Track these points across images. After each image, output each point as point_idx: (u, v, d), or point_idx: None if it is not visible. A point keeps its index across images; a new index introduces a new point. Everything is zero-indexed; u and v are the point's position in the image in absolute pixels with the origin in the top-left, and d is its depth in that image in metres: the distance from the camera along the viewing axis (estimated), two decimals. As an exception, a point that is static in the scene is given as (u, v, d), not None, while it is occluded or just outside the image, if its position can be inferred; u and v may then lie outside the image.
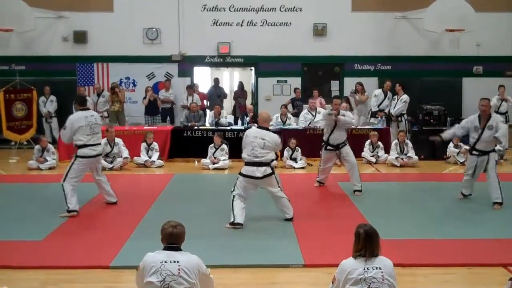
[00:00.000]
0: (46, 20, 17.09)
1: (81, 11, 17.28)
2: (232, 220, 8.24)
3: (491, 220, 8.89)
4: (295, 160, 13.68)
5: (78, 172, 9.02)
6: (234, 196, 8.41)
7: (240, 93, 18.38)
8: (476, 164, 9.68)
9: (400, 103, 15.16)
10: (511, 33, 17.64)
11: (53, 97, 16.78)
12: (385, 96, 15.50)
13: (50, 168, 13.21)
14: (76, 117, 9.21)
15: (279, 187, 8.64)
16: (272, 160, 8.72)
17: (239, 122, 16.38)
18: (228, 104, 21.27)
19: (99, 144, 9.39)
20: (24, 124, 15.22)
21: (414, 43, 17.56)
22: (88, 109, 9.87)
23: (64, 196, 8.84)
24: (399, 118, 15.29)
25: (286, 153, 13.77)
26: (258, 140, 8.35)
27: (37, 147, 13.53)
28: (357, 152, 14.20)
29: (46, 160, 13.27)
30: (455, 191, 10.76)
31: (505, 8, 17.52)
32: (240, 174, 8.48)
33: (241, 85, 18.84)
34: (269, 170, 8.41)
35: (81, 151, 9.02)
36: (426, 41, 17.52)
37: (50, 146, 13.61)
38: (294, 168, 13.41)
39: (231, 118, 17.11)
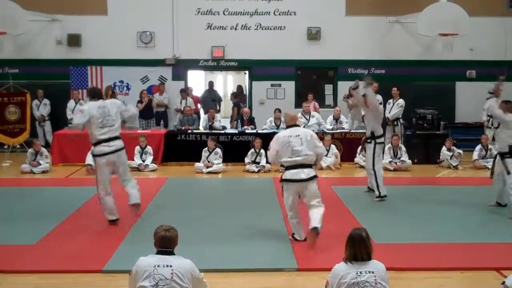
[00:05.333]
0: (39, 23, 17.05)
1: (75, 14, 17.21)
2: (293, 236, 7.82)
3: (484, 224, 8.91)
4: (258, 164, 13.62)
5: (103, 175, 8.47)
6: (288, 214, 7.80)
7: (239, 97, 18.37)
8: None
9: (396, 108, 15.16)
10: (504, 38, 17.69)
11: (46, 101, 16.72)
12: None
13: (43, 172, 13.18)
14: (91, 105, 8.42)
15: None
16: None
17: (236, 125, 16.31)
18: (224, 107, 21.25)
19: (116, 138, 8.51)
20: (17, 128, 15.15)
21: (408, 47, 17.59)
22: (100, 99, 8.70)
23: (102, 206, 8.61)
24: (395, 122, 15.29)
25: (250, 156, 13.74)
26: (293, 139, 7.60)
27: (30, 150, 13.49)
28: (350, 157, 14.30)
29: (39, 164, 13.24)
30: (448, 195, 10.83)
31: (499, 12, 17.57)
32: (284, 180, 7.67)
33: (240, 89, 18.84)
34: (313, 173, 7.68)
35: (96, 149, 8.48)
36: (420, 45, 17.56)
37: (43, 149, 13.58)
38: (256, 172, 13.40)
39: (226, 122, 17.08)
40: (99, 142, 8.43)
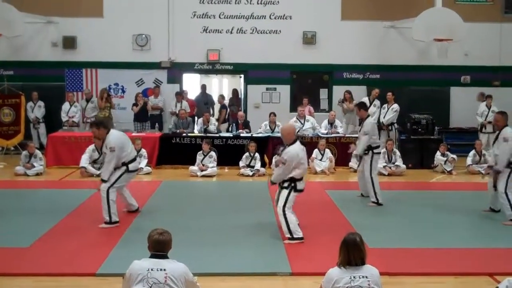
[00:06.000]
0: (35, 25, 17.02)
1: (71, 16, 17.20)
2: (293, 236, 7.94)
3: (478, 229, 8.95)
4: (253, 167, 13.67)
5: (123, 184, 9.06)
6: (286, 211, 7.98)
7: (235, 101, 18.37)
8: None
9: (391, 112, 15.19)
10: (499, 43, 17.75)
11: (41, 103, 16.66)
12: (371, 104, 15.51)
13: (37, 174, 13.15)
14: (119, 135, 9.10)
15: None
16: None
17: (230, 129, 16.30)
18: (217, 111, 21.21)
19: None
20: (12, 130, 15.14)
21: (403, 52, 17.64)
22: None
23: (107, 205, 8.66)
24: (390, 127, 15.33)
25: (245, 160, 13.78)
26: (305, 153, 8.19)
27: (24, 152, 13.46)
28: (345, 161, 14.31)
29: (33, 166, 13.21)
30: (442, 200, 10.86)
31: (493, 18, 17.64)
32: (298, 190, 8.04)
33: (235, 92, 18.83)
34: None
35: (132, 166, 9.04)
36: (415, 50, 17.61)
37: (37, 152, 13.55)
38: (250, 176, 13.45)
39: (222, 125, 17.04)
40: (133, 159, 9.14)
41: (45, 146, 14.74)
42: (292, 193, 7.99)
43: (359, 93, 16.68)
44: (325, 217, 9.45)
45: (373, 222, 9.09)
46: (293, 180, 7.97)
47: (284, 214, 7.92)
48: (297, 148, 7.99)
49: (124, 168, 8.87)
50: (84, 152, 13.20)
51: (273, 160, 12.64)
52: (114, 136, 8.87)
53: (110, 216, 8.66)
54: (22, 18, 15.69)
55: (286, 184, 8.01)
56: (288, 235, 7.92)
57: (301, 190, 8.07)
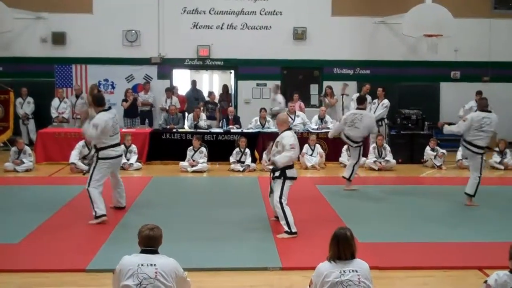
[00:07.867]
0: (24, 21, 16.94)
1: (60, 12, 17.14)
2: (291, 230, 7.95)
3: (467, 223, 8.98)
4: (243, 163, 13.63)
5: (102, 174, 8.72)
6: (284, 204, 8.00)
7: (225, 97, 18.36)
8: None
9: (381, 108, 15.21)
10: (488, 39, 17.84)
11: (30, 99, 16.59)
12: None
13: (26, 170, 13.08)
14: (106, 118, 8.68)
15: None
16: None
17: (220, 125, 16.27)
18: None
19: (119, 144, 9.11)
20: (1, 126, 15.04)
21: (393, 48, 17.69)
22: (109, 108, 9.10)
23: (90, 201, 8.57)
24: (380, 123, 15.34)
25: (235, 155, 13.76)
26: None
27: (13, 149, 13.38)
28: (335, 156, 14.32)
29: (23, 162, 13.14)
30: (432, 195, 10.91)
31: (483, 14, 17.73)
32: (290, 178, 8.06)
33: (225, 88, 18.80)
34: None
35: (102, 153, 8.71)
36: (405, 46, 17.67)
37: (26, 148, 13.48)
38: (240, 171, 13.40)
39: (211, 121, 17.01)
40: (107, 147, 8.74)
41: (35, 142, 14.69)
42: (286, 183, 8.00)
43: (350, 89, 16.71)
44: (315, 211, 9.46)
45: (363, 217, 9.12)
46: (284, 168, 8.00)
47: (282, 207, 7.95)
48: (290, 133, 8.17)
49: (94, 158, 8.73)
50: (74, 148, 13.14)
51: (264, 155, 12.72)
52: (101, 117, 8.64)
53: (95, 211, 8.59)
54: (11, 14, 15.61)
55: (277, 174, 8.04)
56: (287, 229, 7.94)
57: (293, 178, 8.10)
